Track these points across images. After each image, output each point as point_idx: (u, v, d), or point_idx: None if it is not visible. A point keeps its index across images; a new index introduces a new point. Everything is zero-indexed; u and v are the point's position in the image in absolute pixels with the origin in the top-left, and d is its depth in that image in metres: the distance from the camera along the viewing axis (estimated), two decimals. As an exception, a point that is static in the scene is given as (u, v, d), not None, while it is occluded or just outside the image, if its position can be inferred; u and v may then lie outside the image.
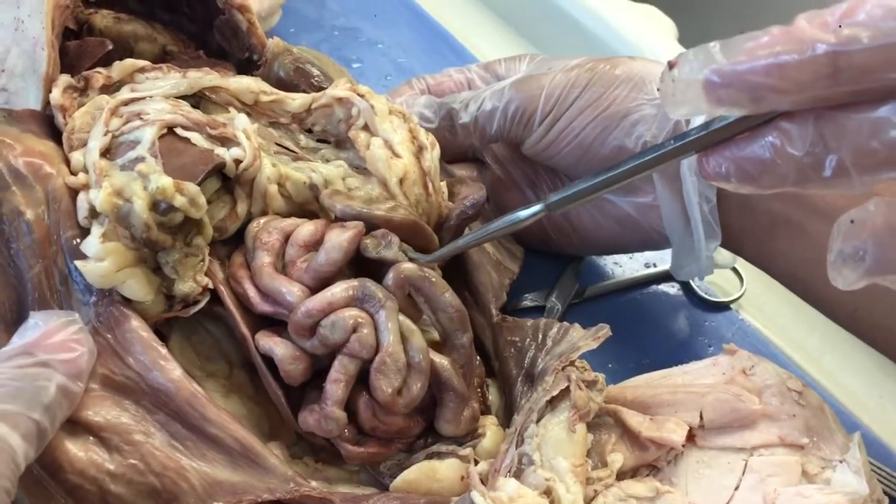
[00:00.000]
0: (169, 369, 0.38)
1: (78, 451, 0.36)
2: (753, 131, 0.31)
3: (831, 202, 0.47)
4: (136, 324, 0.38)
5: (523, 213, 0.41)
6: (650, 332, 0.57)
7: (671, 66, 0.31)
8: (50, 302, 0.39)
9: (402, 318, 0.40)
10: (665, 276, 0.59)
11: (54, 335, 0.35)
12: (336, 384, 0.39)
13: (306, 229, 0.42)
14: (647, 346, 0.56)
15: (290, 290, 0.40)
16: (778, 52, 0.28)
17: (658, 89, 0.32)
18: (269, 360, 0.41)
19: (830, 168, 0.29)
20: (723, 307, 0.59)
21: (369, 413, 0.40)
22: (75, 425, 0.36)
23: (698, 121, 0.48)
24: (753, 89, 0.29)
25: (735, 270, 0.60)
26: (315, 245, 0.42)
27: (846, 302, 0.48)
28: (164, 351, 0.38)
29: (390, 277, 0.41)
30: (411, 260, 0.42)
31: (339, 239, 0.40)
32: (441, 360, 0.41)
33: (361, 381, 0.40)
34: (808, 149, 0.29)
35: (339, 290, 0.39)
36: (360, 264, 0.42)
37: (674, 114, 0.31)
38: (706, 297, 0.59)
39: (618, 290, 0.59)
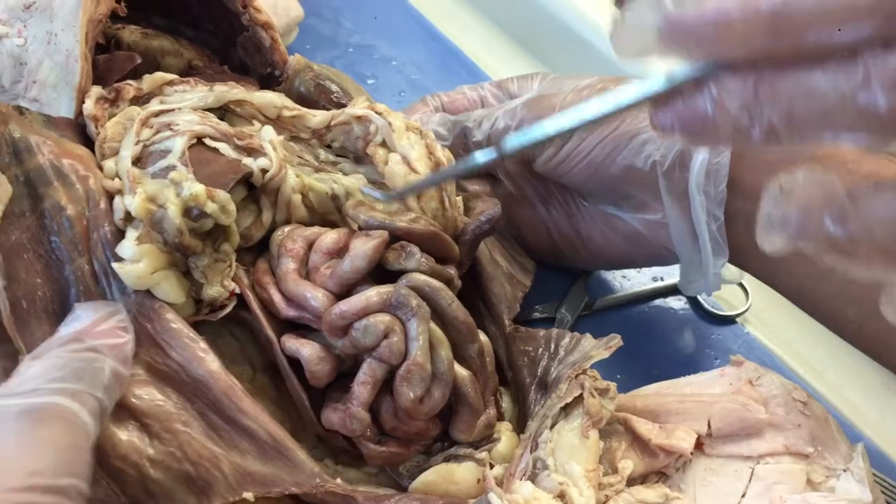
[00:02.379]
0: (208, 361, 0.39)
1: (122, 435, 0.37)
2: (699, 84, 0.30)
3: None
4: (171, 316, 0.40)
5: (480, 155, 0.41)
6: (658, 344, 0.58)
7: (621, 11, 0.31)
8: (92, 293, 0.40)
9: (432, 326, 0.41)
10: (672, 290, 0.61)
11: (102, 323, 0.37)
12: (363, 386, 0.40)
13: (330, 237, 0.43)
14: (655, 358, 0.57)
15: (315, 295, 0.41)
16: (725, 3, 0.28)
17: (609, 34, 0.31)
18: (292, 363, 0.42)
19: (761, 128, 0.29)
20: (729, 321, 0.60)
21: (390, 415, 0.41)
22: (120, 409, 0.38)
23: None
24: (699, 36, 0.28)
25: (741, 285, 0.61)
26: (338, 252, 0.43)
27: (852, 318, 0.49)
28: (202, 343, 0.40)
29: (402, 286, 0.42)
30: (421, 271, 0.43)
31: (364, 247, 0.41)
32: (462, 373, 0.42)
33: (385, 383, 0.41)
34: (744, 106, 0.29)
35: (375, 294, 0.41)
36: (381, 272, 0.44)
37: (622, 55, 0.31)
38: (712, 310, 0.60)
39: (626, 303, 0.60)
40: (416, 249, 0.43)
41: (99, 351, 0.36)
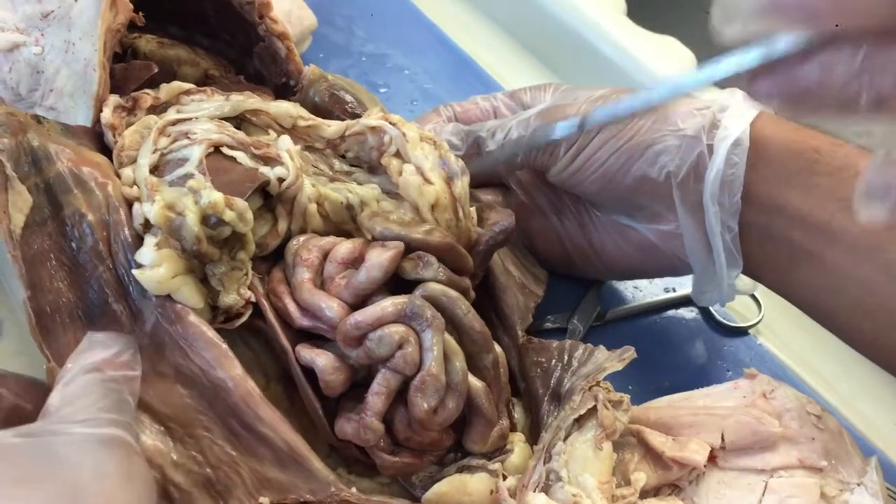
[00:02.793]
0: (230, 366, 0.40)
1: (146, 438, 0.38)
2: (805, 54, 0.31)
3: (852, 233, 0.48)
4: (194, 319, 0.40)
5: (561, 127, 0.41)
6: (669, 355, 0.58)
7: None
8: (115, 298, 0.41)
9: (446, 337, 0.41)
10: (684, 301, 0.61)
11: (121, 356, 0.37)
12: (377, 396, 0.40)
13: (345, 247, 0.43)
14: (667, 370, 0.57)
15: (330, 305, 0.42)
16: None
17: (713, 9, 0.31)
18: (306, 373, 0.42)
19: (869, 98, 0.29)
20: (741, 332, 0.60)
21: (404, 425, 0.41)
22: (144, 412, 0.38)
23: (726, 144, 0.49)
24: (816, 8, 0.29)
25: (753, 297, 0.61)
26: (353, 263, 0.43)
27: (867, 330, 0.49)
28: (224, 347, 0.40)
29: (417, 296, 0.43)
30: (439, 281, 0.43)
31: (380, 258, 0.42)
32: (476, 384, 0.43)
33: (399, 393, 0.41)
34: (854, 75, 0.29)
35: (390, 304, 0.41)
36: (396, 281, 0.44)
37: (726, 29, 0.31)
38: (724, 322, 0.60)
39: (638, 314, 0.60)
40: (433, 259, 0.43)
41: (119, 382, 0.36)
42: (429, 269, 0.43)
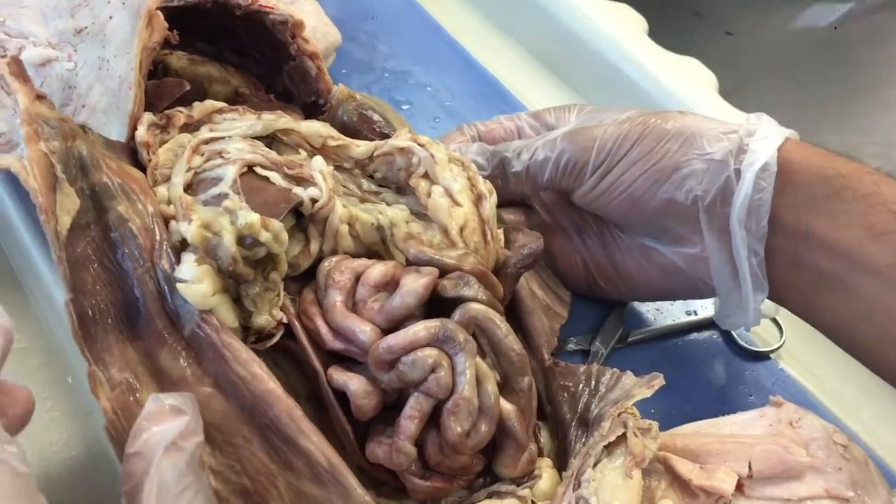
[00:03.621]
0: (267, 380, 0.40)
1: None
2: None
3: (878, 261, 0.48)
4: (230, 334, 0.41)
5: None
6: (691, 379, 0.58)
7: None
8: (154, 302, 0.41)
9: (478, 360, 0.42)
10: (706, 324, 0.61)
11: (191, 423, 0.36)
12: (410, 420, 0.40)
13: (378, 270, 0.43)
14: (688, 394, 0.57)
15: (363, 329, 0.42)
16: None
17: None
18: (337, 395, 0.42)
19: None
20: (763, 357, 0.60)
21: (436, 449, 0.41)
22: None
23: (753, 168, 0.49)
24: None
25: (775, 321, 0.61)
26: (385, 286, 0.43)
27: (893, 358, 0.49)
28: (260, 361, 0.40)
29: (457, 316, 0.43)
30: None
31: (414, 284, 0.42)
32: (507, 407, 0.43)
33: (430, 417, 0.42)
34: None
35: (422, 329, 0.41)
36: (427, 304, 0.44)
37: None
38: (746, 346, 0.60)
39: (660, 336, 0.60)
40: (473, 279, 0.43)
41: (195, 456, 0.36)
42: (470, 287, 0.43)
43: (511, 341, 0.43)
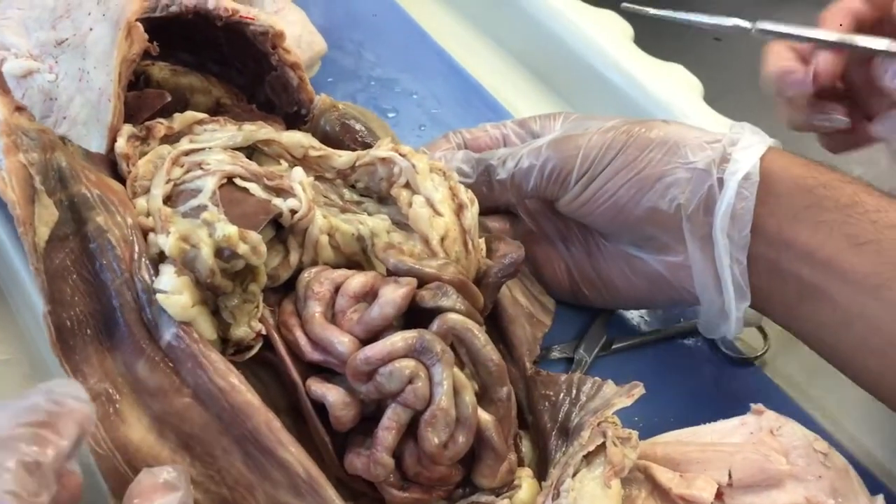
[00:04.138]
0: (245, 391, 0.40)
1: (168, 455, 0.39)
2: None
3: (859, 271, 0.48)
4: (207, 344, 0.41)
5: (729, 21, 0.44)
6: (675, 386, 0.58)
7: None
8: (133, 312, 0.41)
9: (455, 371, 0.42)
10: (691, 331, 0.61)
11: (187, 497, 0.36)
12: (388, 431, 0.40)
13: (357, 281, 0.43)
14: (673, 401, 0.57)
15: (342, 340, 0.42)
16: None
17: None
18: (316, 406, 0.42)
19: None
20: (747, 363, 0.60)
21: (414, 460, 0.41)
22: (165, 427, 0.39)
23: (736, 178, 0.50)
24: None
25: (760, 328, 0.61)
26: (365, 297, 0.43)
27: (872, 368, 0.49)
28: (238, 373, 0.41)
29: (435, 326, 0.43)
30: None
31: (393, 295, 0.42)
32: (485, 417, 0.43)
33: (408, 428, 0.42)
34: None
35: (400, 339, 0.41)
36: (407, 314, 0.44)
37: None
38: (731, 353, 0.60)
39: (644, 344, 0.60)
40: (451, 289, 0.43)
41: None
42: (448, 297, 0.43)
43: (489, 351, 0.43)
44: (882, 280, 0.47)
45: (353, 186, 0.51)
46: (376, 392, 0.41)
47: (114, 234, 0.42)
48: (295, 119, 0.55)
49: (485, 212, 0.58)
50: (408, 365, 0.41)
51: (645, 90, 0.72)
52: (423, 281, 0.44)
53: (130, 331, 0.41)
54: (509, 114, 0.73)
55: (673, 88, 0.73)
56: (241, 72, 0.56)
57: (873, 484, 0.53)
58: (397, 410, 0.41)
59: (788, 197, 0.50)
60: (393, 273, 0.44)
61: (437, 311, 0.43)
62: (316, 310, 0.43)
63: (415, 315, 0.44)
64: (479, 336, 0.43)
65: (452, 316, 0.42)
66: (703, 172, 0.51)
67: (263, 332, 0.43)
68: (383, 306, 0.42)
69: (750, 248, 0.51)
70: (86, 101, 0.48)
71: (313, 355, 0.43)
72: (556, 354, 0.58)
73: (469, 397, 0.42)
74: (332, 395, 0.41)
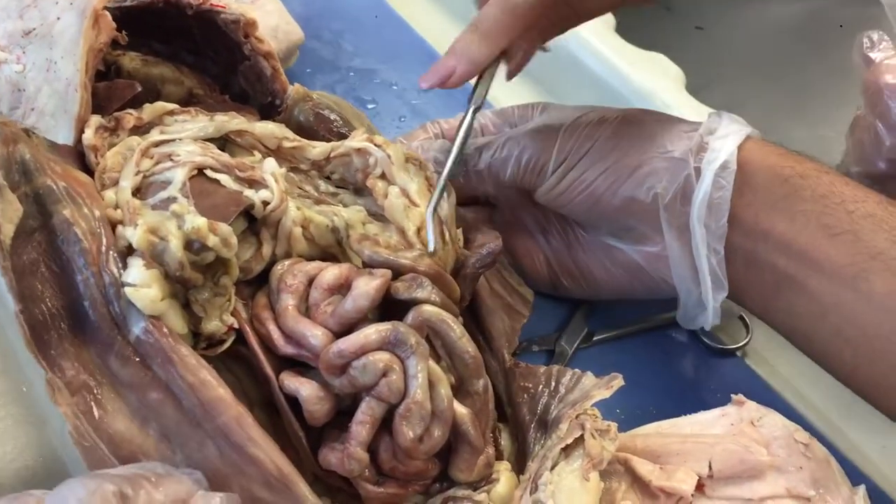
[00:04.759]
0: (216, 386, 0.40)
1: (153, 445, 0.39)
2: None
3: (834, 261, 0.47)
4: (179, 341, 0.40)
5: None
6: (657, 377, 0.58)
7: None
8: (102, 305, 0.40)
9: (430, 364, 0.41)
10: (672, 322, 0.60)
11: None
12: (362, 425, 0.40)
13: (331, 273, 0.43)
14: (654, 392, 0.57)
15: (315, 333, 0.41)
16: None
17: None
18: (290, 400, 0.42)
19: None
20: (729, 354, 0.60)
21: (389, 454, 0.41)
22: (146, 423, 0.39)
23: (713, 167, 0.49)
24: None
25: (742, 318, 0.61)
26: (339, 289, 0.43)
27: (847, 359, 0.48)
28: (209, 367, 0.40)
29: (410, 318, 0.42)
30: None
31: (366, 287, 0.41)
32: (461, 410, 0.42)
33: (383, 422, 0.41)
34: None
35: (373, 332, 0.40)
36: (383, 306, 0.43)
37: None
38: (712, 344, 0.60)
39: (625, 335, 0.60)
40: (426, 281, 0.42)
41: None
42: (422, 289, 0.42)
43: (465, 343, 0.42)
44: (857, 270, 0.47)
45: (328, 178, 0.50)
46: (350, 386, 0.40)
47: (80, 227, 0.41)
48: (269, 110, 0.54)
49: (463, 202, 0.58)
50: (382, 358, 0.40)
51: (626, 79, 0.72)
52: (398, 272, 0.43)
53: (100, 325, 0.40)
54: (489, 104, 0.73)
55: (654, 78, 0.72)
56: (214, 62, 0.55)
57: (856, 475, 0.53)
58: (371, 404, 0.40)
59: (765, 187, 0.50)
60: (368, 265, 0.43)
61: (413, 303, 0.42)
62: (289, 303, 0.42)
63: (390, 307, 0.43)
64: (454, 328, 0.42)
65: (427, 308, 0.42)
66: (681, 161, 0.51)
67: (235, 325, 0.42)
68: (357, 298, 0.41)
69: (727, 238, 0.50)
70: (53, 91, 0.47)
71: (286, 349, 0.42)
72: (536, 347, 0.58)
73: (444, 390, 0.41)
74: (305, 389, 0.41)
